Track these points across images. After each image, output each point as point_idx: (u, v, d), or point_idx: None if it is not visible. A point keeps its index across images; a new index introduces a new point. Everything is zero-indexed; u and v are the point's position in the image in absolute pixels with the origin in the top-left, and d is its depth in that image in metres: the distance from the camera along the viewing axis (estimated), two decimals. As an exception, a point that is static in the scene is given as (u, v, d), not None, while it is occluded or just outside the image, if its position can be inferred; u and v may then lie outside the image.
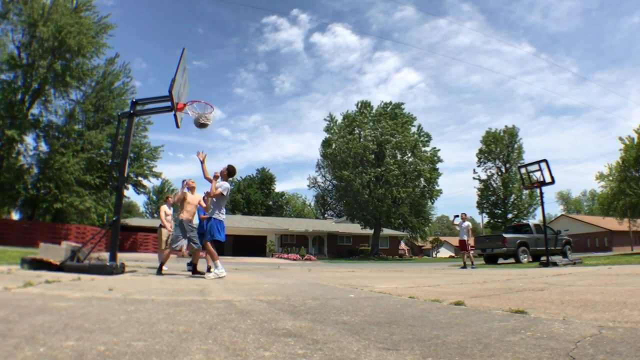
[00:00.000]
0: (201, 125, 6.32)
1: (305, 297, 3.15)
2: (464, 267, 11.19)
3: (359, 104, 36.57)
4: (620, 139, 27.54)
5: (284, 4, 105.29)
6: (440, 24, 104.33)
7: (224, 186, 5.72)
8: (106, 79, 24.28)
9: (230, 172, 5.95)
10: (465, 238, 11.46)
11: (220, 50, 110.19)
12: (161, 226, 7.98)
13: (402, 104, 36.20)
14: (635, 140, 26.76)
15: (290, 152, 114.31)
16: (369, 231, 34.87)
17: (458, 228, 12.08)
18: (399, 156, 33.92)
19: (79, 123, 23.60)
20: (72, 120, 23.00)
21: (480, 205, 41.09)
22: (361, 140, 33.35)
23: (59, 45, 20.55)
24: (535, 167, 11.90)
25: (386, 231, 36.25)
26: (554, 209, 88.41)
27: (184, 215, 6.01)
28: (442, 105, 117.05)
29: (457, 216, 11.89)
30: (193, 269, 6.38)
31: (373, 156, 33.49)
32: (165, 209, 8.27)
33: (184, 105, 6.21)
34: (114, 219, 5.75)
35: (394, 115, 34.93)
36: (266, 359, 1.30)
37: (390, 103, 36.25)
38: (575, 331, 1.72)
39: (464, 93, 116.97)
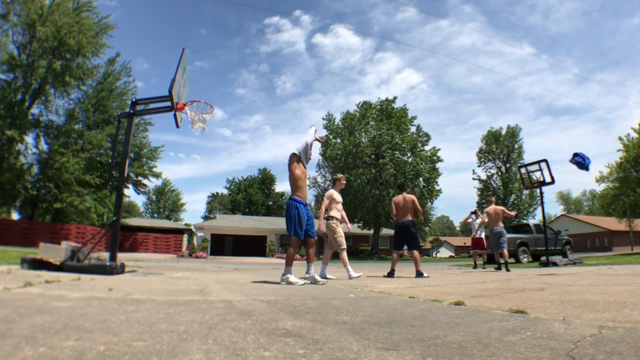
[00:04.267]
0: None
1: (305, 297, 3.15)
2: (475, 267, 10.71)
3: (359, 104, 36.52)
4: (620, 138, 27.48)
5: (286, 5, 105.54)
6: (442, 25, 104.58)
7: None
8: (107, 79, 24.28)
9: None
10: (483, 236, 10.92)
11: (222, 51, 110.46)
12: (328, 218, 6.21)
13: (396, 98, 36.10)
14: (635, 139, 26.71)
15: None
16: (369, 231, 34.85)
17: (470, 225, 11.46)
18: (398, 156, 33.89)
19: (79, 123, 23.62)
20: (72, 120, 23.01)
21: (480, 206, 41.07)
22: (361, 144, 33.30)
23: (58, 45, 20.56)
24: (535, 167, 11.89)
25: (386, 231, 36.26)
26: (554, 209, 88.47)
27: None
28: (443, 105, 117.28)
29: (474, 213, 11.21)
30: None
31: (373, 156, 33.51)
32: (334, 194, 6.36)
33: (184, 105, 6.21)
34: (114, 219, 5.74)
35: (390, 113, 34.80)
36: (266, 358, 1.30)
37: (387, 99, 36.15)
38: (575, 331, 1.72)
39: (465, 93, 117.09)
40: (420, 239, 45.75)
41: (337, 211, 6.24)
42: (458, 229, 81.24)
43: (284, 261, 7.20)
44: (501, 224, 9.06)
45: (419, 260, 6.60)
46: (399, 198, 6.92)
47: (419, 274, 6.38)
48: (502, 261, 8.54)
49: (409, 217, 6.79)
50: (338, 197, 6.29)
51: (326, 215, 6.14)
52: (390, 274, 6.56)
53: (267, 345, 1.47)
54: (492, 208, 9.22)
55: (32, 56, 20.96)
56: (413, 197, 6.92)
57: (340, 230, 6.17)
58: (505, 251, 8.64)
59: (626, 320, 1.97)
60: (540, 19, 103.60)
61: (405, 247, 7.06)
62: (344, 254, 6.06)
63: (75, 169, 21.24)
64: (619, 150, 27.37)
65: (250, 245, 35.33)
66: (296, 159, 4.88)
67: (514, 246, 14.72)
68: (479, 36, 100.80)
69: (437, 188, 34.31)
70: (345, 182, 6.70)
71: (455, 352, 1.40)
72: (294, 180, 4.83)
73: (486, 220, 9.44)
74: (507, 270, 8.09)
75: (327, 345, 1.50)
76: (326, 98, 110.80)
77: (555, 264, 9.97)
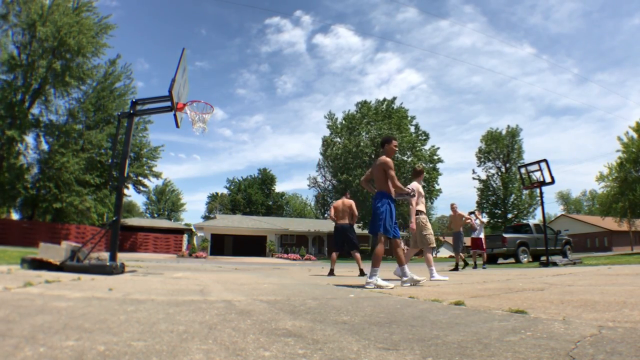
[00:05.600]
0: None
1: (305, 297, 3.15)
2: (475, 267, 10.83)
3: (359, 104, 36.51)
4: (619, 138, 27.45)
5: (287, 5, 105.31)
6: (442, 26, 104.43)
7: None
8: (107, 79, 24.28)
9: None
10: (482, 236, 11.01)
11: (223, 51, 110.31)
12: (418, 212, 5.90)
13: (395, 98, 36.05)
14: (635, 138, 26.70)
15: (292, 152, 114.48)
16: (369, 231, 34.84)
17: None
18: (398, 156, 33.90)
19: (79, 123, 23.61)
20: (73, 119, 23.00)
21: (480, 205, 41.08)
22: (361, 144, 33.31)
23: (58, 45, 20.55)
24: (535, 167, 11.89)
25: (386, 231, 36.24)
26: (554, 209, 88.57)
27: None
28: (443, 105, 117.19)
29: (472, 213, 11.31)
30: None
31: (373, 156, 33.53)
32: (420, 188, 5.95)
33: (184, 105, 6.22)
34: (114, 219, 5.75)
35: (390, 113, 34.79)
36: (266, 358, 1.30)
37: (385, 100, 36.11)
38: (575, 331, 1.72)
39: (465, 94, 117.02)
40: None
41: (423, 205, 6.02)
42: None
43: (285, 261, 7.27)
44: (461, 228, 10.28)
45: (360, 260, 7.07)
46: (338, 202, 7.41)
47: (362, 273, 6.67)
48: (461, 262, 9.95)
49: (346, 221, 7.16)
50: (422, 190, 6.01)
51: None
52: (330, 273, 6.95)
53: (267, 345, 1.47)
54: (459, 214, 10.36)
55: (32, 56, 20.95)
56: (351, 202, 7.35)
57: (430, 227, 5.93)
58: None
59: (626, 320, 1.97)
60: (540, 20, 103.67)
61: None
62: (430, 254, 5.93)
63: (75, 169, 21.24)
64: (617, 151, 27.39)
65: (250, 245, 35.34)
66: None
67: (514, 246, 14.73)
68: (480, 36, 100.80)
69: (437, 188, 34.33)
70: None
71: (455, 352, 1.40)
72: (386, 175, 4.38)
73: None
74: (456, 270, 9.31)
75: (327, 345, 1.50)
76: (327, 98, 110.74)
77: (555, 264, 9.97)
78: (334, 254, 7.43)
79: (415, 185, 5.83)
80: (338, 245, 7.28)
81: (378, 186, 4.44)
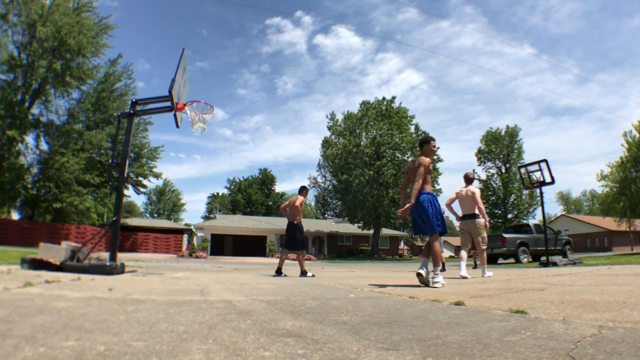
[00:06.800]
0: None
1: (305, 297, 3.15)
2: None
3: (362, 105, 36.47)
4: (624, 134, 27.36)
5: (288, 5, 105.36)
6: (443, 26, 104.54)
7: None
8: (108, 79, 24.28)
9: None
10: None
11: (224, 52, 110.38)
12: (476, 215, 6.37)
13: (395, 98, 36.01)
14: (637, 137, 26.66)
15: (292, 152, 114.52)
16: (369, 231, 34.83)
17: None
18: (398, 156, 33.87)
19: (79, 123, 23.61)
20: (73, 120, 23.00)
21: (480, 205, 41.00)
22: (361, 144, 33.24)
23: (58, 45, 20.56)
24: (535, 167, 11.86)
25: (386, 231, 36.27)
26: (554, 209, 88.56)
27: None
28: (443, 106, 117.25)
29: None
30: None
31: (375, 156, 33.51)
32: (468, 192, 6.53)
33: (184, 105, 6.22)
34: (114, 219, 5.75)
35: (390, 113, 34.75)
36: (266, 358, 1.30)
37: (384, 99, 36.07)
38: (575, 331, 1.72)
39: (466, 94, 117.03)
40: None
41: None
42: (458, 229, 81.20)
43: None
44: None
45: (301, 261, 7.07)
46: (291, 199, 7.61)
47: (303, 274, 6.80)
48: None
49: (291, 219, 7.28)
50: (477, 196, 6.42)
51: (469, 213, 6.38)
52: (277, 272, 6.94)
53: (267, 345, 1.47)
54: None
55: (32, 56, 20.95)
56: (295, 199, 7.43)
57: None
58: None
59: (626, 320, 1.97)
60: (540, 20, 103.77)
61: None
62: (485, 253, 6.36)
63: (75, 169, 21.24)
64: (622, 145, 27.31)
65: (250, 245, 35.33)
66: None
67: (514, 246, 14.72)
68: (480, 37, 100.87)
69: (438, 187, 34.32)
70: None
71: (455, 352, 1.40)
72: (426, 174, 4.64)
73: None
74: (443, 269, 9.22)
75: (327, 345, 1.50)
76: (327, 98, 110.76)
77: (555, 264, 9.95)
78: (286, 252, 7.42)
79: (471, 189, 6.42)
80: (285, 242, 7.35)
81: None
